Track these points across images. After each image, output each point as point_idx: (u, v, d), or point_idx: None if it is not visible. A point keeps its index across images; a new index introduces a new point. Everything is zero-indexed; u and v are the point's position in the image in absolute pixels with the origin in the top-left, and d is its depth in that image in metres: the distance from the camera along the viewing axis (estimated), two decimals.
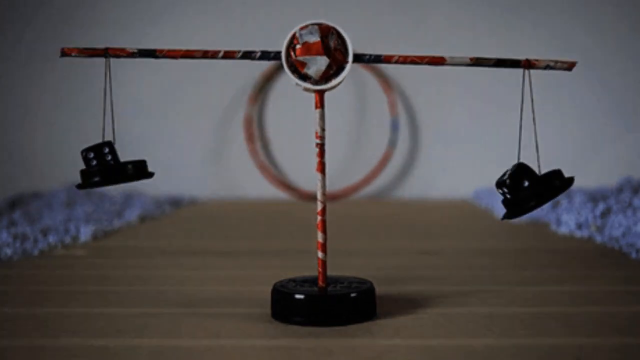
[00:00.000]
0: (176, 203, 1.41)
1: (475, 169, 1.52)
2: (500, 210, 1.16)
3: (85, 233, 0.94)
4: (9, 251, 0.79)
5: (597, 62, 1.54)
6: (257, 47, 0.56)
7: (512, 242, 0.89)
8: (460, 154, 1.58)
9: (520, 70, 0.49)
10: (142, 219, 1.16)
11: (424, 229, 1.05)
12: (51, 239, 0.88)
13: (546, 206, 1.10)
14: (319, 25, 0.48)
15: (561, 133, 1.54)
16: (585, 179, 1.35)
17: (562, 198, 1.14)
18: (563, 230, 0.94)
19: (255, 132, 1.62)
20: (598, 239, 0.85)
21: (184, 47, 0.52)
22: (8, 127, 1.65)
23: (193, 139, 1.63)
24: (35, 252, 0.81)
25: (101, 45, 0.52)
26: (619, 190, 1.18)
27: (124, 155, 0.50)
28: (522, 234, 0.95)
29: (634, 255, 0.73)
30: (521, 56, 0.50)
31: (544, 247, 0.83)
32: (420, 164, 1.61)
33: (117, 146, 0.50)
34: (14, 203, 1.27)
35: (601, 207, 1.00)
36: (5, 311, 0.53)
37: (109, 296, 0.58)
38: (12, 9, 1.62)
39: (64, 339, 0.45)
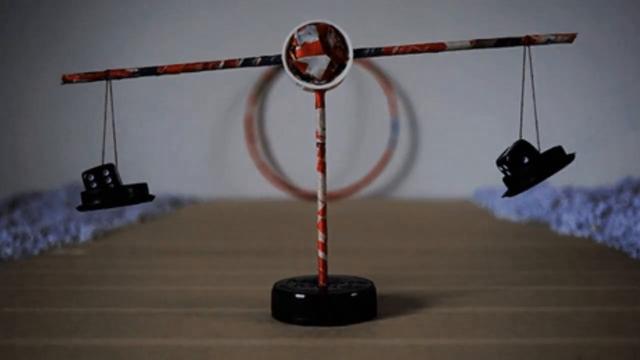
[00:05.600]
0: (176, 203, 1.41)
1: (475, 169, 1.52)
2: (500, 210, 1.16)
3: (85, 233, 0.94)
4: (9, 251, 0.79)
5: (598, 62, 1.55)
6: (256, 51, 0.56)
7: (512, 242, 0.89)
8: (460, 154, 1.58)
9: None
10: (142, 219, 1.16)
11: (424, 229, 1.05)
12: (51, 238, 0.88)
13: (546, 206, 1.09)
14: (317, 24, 0.48)
15: (561, 133, 1.54)
16: (585, 179, 1.36)
17: (562, 198, 1.14)
18: (563, 230, 0.94)
19: (255, 132, 1.62)
20: (598, 238, 0.85)
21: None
22: (8, 127, 1.65)
23: (193, 139, 1.63)
24: (35, 252, 0.81)
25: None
26: (619, 190, 1.18)
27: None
28: (522, 234, 0.95)
29: (634, 255, 0.73)
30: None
31: (544, 247, 0.83)
32: (420, 164, 1.61)
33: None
34: (14, 203, 1.27)
35: (601, 207, 0.99)
36: (5, 311, 0.53)
37: (109, 296, 0.58)
38: (12, 10, 1.62)
39: (64, 339, 0.45)
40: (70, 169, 1.26)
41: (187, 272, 0.69)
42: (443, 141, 1.60)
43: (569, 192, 1.20)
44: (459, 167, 1.58)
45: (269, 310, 0.51)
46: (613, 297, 0.55)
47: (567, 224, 0.94)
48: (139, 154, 1.60)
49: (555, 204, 1.11)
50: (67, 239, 0.90)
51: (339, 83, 0.49)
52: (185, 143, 1.63)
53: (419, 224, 1.12)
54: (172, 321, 0.49)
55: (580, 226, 0.93)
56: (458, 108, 1.58)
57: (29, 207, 1.22)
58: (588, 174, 1.44)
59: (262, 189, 1.59)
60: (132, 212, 1.18)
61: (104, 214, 1.14)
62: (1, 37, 1.63)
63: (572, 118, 1.56)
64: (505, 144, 0.50)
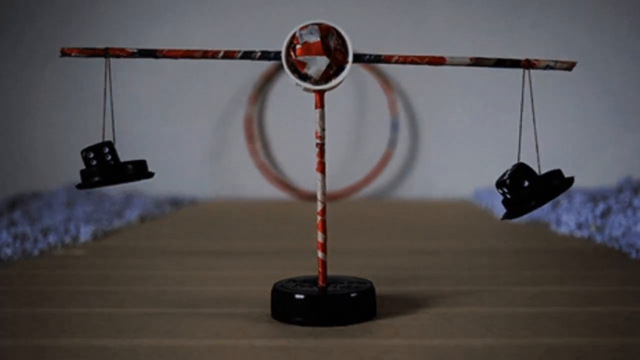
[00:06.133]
0: (176, 203, 1.41)
1: (475, 169, 1.52)
2: (500, 210, 1.16)
3: (85, 233, 0.94)
4: (9, 251, 0.79)
5: (597, 62, 1.54)
6: (257, 47, 0.56)
7: (512, 242, 0.89)
8: (460, 154, 1.58)
9: (520, 70, 0.49)
10: (142, 219, 1.16)
11: (424, 229, 1.05)
12: (51, 239, 0.88)
13: (546, 206, 1.09)
14: (319, 25, 0.48)
15: (561, 133, 1.54)
16: (585, 179, 1.36)
17: (562, 198, 1.14)
18: (563, 230, 0.94)
19: (255, 132, 1.62)
20: (598, 239, 0.85)
21: (184, 47, 0.52)
22: (8, 127, 1.65)
23: (193, 139, 1.63)
24: (35, 252, 0.81)
25: (101, 45, 0.52)
26: (619, 190, 1.18)
27: (124, 156, 0.50)
28: (522, 234, 0.95)
29: (633, 255, 0.73)
30: (521, 56, 0.50)
31: (544, 247, 0.83)
32: (420, 164, 1.61)
33: (117, 146, 0.50)
34: (14, 203, 1.27)
35: (601, 207, 0.99)
36: (5, 311, 0.53)
37: (108, 296, 0.58)
38: (11, 9, 1.62)
39: (64, 339, 0.45)
40: (70, 169, 1.25)
41: (187, 272, 0.69)
42: (443, 141, 1.60)
43: (568, 192, 1.20)
44: (459, 167, 1.58)
45: (268, 310, 0.51)
46: (613, 297, 0.55)
47: (567, 224, 0.94)
48: (139, 154, 1.59)
49: (555, 204, 1.11)
50: (67, 239, 0.90)
51: (338, 84, 0.49)
52: (185, 143, 1.63)
53: (419, 224, 1.12)
54: (172, 321, 0.49)
55: (580, 226, 0.93)
56: (458, 108, 1.58)
57: (28, 207, 1.22)
58: (588, 174, 1.43)
59: (262, 189, 1.59)
60: (132, 212, 1.18)
61: (104, 214, 1.14)
62: (1, 37, 1.63)
63: (571, 118, 1.56)
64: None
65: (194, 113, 1.62)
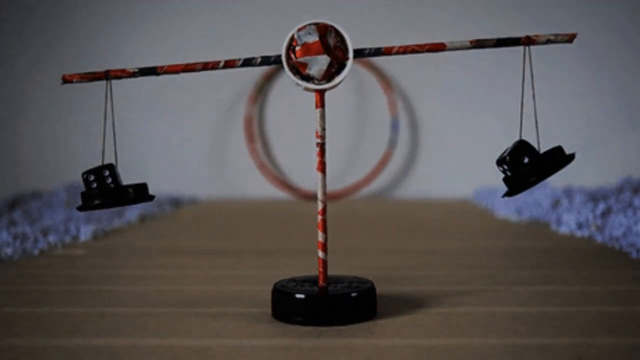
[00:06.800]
0: (176, 203, 1.41)
1: (475, 169, 1.52)
2: (500, 210, 1.16)
3: (85, 233, 0.94)
4: (9, 251, 0.79)
5: (598, 62, 1.54)
6: (256, 51, 0.56)
7: (512, 242, 0.89)
8: (460, 154, 1.58)
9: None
10: (142, 219, 1.16)
11: (424, 229, 1.05)
12: (51, 238, 0.88)
13: (546, 206, 1.09)
14: (317, 24, 0.48)
15: (561, 133, 1.54)
16: (585, 179, 1.35)
17: (562, 198, 1.14)
18: (563, 230, 0.94)
19: (255, 132, 1.62)
20: (598, 238, 0.85)
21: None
22: (8, 127, 1.65)
23: (193, 139, 1.63)
24: (35, 252, 0.81)
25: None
26: (619, 190, 1.18)
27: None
28: (522, 234, 0.95)
29: (634, 255, 0.73)
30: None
31: (544, 247, 0.83)
32: (420, 164, 1.61)
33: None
34: (14, 203, 1.27)
35: (601, 206, 0.99)
36: (5, 311, 0.53)
37: (108, 296, 0.58)
38: (12, 10, 1.62)
39: (64, 339, 0.45)
40: (70, 169, 1.25)
41: (187, 272, 0.69)
42: (443, 141, 1.60)
43: (569, 192, 1.20)
44: (459, 167, 1.58)
45: (269, 310, 0.51)
46: (613, 297, 0.55)
47: (567, 224, 0.94)
48: (139, 154, 1.60)
49: (555, 204, 1.11)
50: (67, 239, 0.90)
51: (339, 83, 0.49)
52: (185, 143, 1.63)
53: (419, 224, 1.12)
54: (172, 321, 0.49)
55: (580, 226, 0.93)
56: (458, 108, 1.58)
57: (29, 207, 1.22)
58: (588, 174, 1.44)
59: (262, 189, 1.59)
60: (132, 212, 1.18)
61: (104, 214, 1.14)
62: (1, 37, 1.63)
63: (572, 118, 1.56)
64: (505, 144, 0.50)
65: (194, 113, 1.62)
